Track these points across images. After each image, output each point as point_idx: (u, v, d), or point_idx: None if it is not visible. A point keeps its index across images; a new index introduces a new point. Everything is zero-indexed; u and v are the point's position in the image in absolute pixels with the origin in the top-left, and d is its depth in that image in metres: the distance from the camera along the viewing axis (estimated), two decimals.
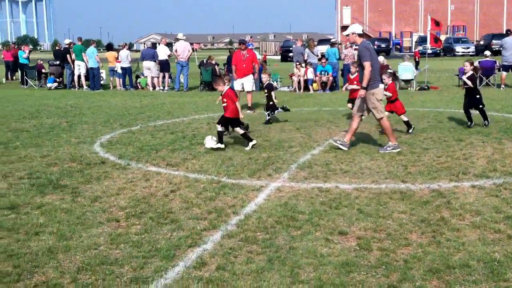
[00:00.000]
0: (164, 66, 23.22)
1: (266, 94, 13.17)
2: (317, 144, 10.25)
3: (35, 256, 5.01)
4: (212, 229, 5.73)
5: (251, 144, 9.87)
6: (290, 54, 41.69)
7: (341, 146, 9.59)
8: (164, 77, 23.49)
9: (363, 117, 9.91)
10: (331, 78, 21.49)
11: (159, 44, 24.74)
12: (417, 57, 29.45)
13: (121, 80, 24.05)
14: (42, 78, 25.76)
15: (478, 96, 11.65)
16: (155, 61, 23.12)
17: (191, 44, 25.47)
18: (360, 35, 9.56)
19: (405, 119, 11.40)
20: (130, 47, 25.92)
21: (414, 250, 5.08)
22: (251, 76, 15.61)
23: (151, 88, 23.28)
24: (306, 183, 7.52)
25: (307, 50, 22.28)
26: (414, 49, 39.41)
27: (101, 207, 6.51)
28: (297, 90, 21.55)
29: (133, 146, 10.28)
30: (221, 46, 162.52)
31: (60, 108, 16.39)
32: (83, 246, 5.25)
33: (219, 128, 9.94)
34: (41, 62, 27.19)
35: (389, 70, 12.95)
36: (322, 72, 21.59)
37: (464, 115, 11.94)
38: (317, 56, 22.19)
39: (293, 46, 27.29)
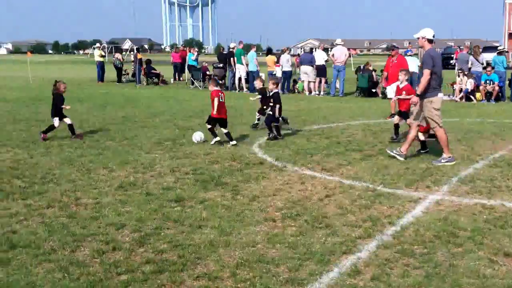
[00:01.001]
0: (321, 71, 23.43)
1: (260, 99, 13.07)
2: (480, 158, 9.68)
3: (197, 248, 5.32)
4: (367, 237, 5.67)
5: (232, 142, 10.78)
6: (451, 61, 39.87)
7: (397, 156, 9.40)
8: (320, 82, 23.70)
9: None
10: (497, 88, 20.20)
11: (315, 50, 25.00)
12: None
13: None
14: (206, 80, 27.21)
15: None
16: (312, 66, 23.40)
17: (348, 49, 25.41)
18: (429, 41, 9.28)
19: (422, 138, 10.12)
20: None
21: None
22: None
23: (307, 93, 23.59)
24: (468, 198, 7.14)
25: (471, 57, 21.15)
26: None
27: (259, 206, 6.74)
28: (459, 99, 20.53)
29: (289, 149, 10.49)
30: (377, 52, 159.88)
31: None
32: (242, 243, 5.47)
33: (208, 126, 11.03)
34: (206, 64, 28.76)
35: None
36: (487, 81, 20.36)
37: None
38: (482, 64, 20.98)
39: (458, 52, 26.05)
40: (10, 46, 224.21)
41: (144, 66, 29.42)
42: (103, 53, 30.95)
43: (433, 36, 9.33)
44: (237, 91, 24.76)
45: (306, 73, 23.67)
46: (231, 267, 4.87)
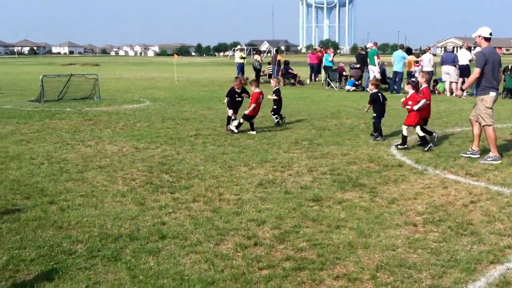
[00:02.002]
0: (464, 71, 22.33)
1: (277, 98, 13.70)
2: None
3: (336, 248, 5.33)
4: None
5: (253, 132, 12.17)
6: None
7: (472, 156, 9.52)
8: (463, 82, 22.57)
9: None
10: None
11: (458, 49, 23.87)
12: None
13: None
14: (342, 80, 27.08)
15: None
16: (455, 66, 22.39)
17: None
18: (486, 39, 9.42)
19: (405, 133, 10.45)
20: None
21: None
22: None
23: (448, 94, 22.62)
24: None
25: None
26: None
27: (399, 210, 6.60)
28: None
29: (430, 151, 10.13)
30: None
31: (359, 110, 17.02)
32: (381, 246, 5.39)
33: (241, 120, 12.28)
34: (343, 65, 28.61)
35: (412, 79, 10.83)
36: None
37: None
38: None
39: None
40: (157, 48, 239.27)
41: (282, 67, 29.90)
42: (243, 55, 31.90)
43: (490, 34, 9.45)
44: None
45: (448, 73, 22.71)
46: (371, 269, 4.82)
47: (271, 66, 31.03)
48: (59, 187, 7.59)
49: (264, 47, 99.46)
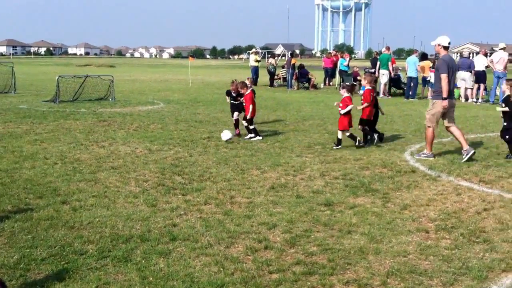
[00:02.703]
0: (480, 77, 22.20)
1: None
2: None
3: (347, 254, 5.31)
4: None
5: (258, 138, 11.84)
6: None
7: (467, 157, 9.62)
8: (478, 88, 22.45)
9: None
10: None
11: (474, 55, 23.74)
12: None
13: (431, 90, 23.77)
14: (356, 85, 26.97)
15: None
16: (470, 72, 22.24)
17: (510, 54, 23.80)
18: (445, 48, 9.85)
19: (340, 136, 10.99)
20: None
21: None
22: None
23: (463, 100, 22.46)
24: None
25: None
26: None
27: (411, 216, 6.56)
28: None
29: (444, 158, 10.08)
30: None
31: None
32: (393, 252, 5.36)
33: (244, 123, 12.10)
34: (357, 69, 28.53)
35: (347, 83, 11.16)
36: None
37: None
38: None
39: None
40: (172, 51, 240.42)
41: (296, 71, 29.87)
42: (258, 58, 31.94)
43: (449, 43, 9.94)
44: (386, 96, 24.24)
45: (464, 79, 22.54)
46: (381, 275, 4.79)
47: (285, 69, 31.02)
48: (72, 187, 7.64)
49: (279, 50, 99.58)
